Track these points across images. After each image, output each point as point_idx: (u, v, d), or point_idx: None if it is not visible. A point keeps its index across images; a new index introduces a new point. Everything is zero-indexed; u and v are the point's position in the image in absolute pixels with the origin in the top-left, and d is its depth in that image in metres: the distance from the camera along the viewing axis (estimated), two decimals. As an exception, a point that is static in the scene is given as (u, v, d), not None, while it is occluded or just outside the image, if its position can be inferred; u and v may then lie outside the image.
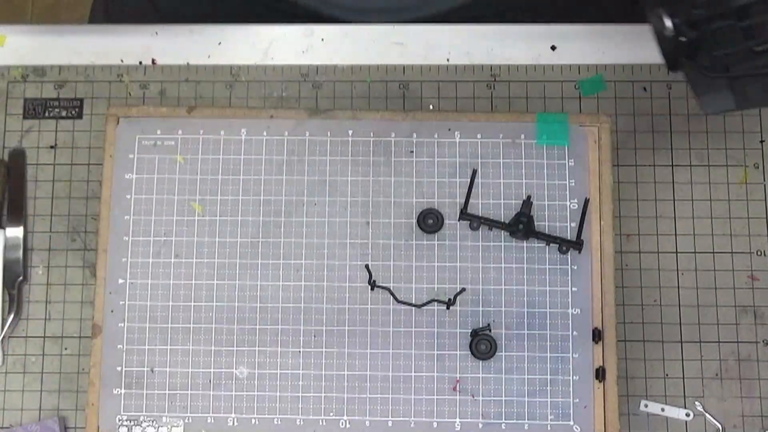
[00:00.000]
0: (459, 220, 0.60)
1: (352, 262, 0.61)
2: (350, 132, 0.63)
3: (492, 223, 0.61)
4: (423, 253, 0.61)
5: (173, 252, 0.62)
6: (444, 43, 0.68)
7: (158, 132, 0.63)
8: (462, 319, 0.60)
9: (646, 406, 0.62)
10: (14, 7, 1.60)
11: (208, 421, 0.60)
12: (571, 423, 0.59)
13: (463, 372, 0.60)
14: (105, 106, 0.67)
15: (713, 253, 0.64)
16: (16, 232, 0.65)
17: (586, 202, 0.60)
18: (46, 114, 0.67)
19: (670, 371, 0.62)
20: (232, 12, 0.81)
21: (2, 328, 0.63)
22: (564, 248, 0.60)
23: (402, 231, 0.61)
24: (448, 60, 0.68)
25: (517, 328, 0.60)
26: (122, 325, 0.61)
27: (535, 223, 0.61)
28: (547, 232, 0.61)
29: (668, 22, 0.47)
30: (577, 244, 0.60)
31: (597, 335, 0.60)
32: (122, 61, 0.68)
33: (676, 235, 0.64)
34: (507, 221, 0.61)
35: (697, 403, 0.62)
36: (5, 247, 0.64)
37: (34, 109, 0.67)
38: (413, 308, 0.60)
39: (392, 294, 0.61)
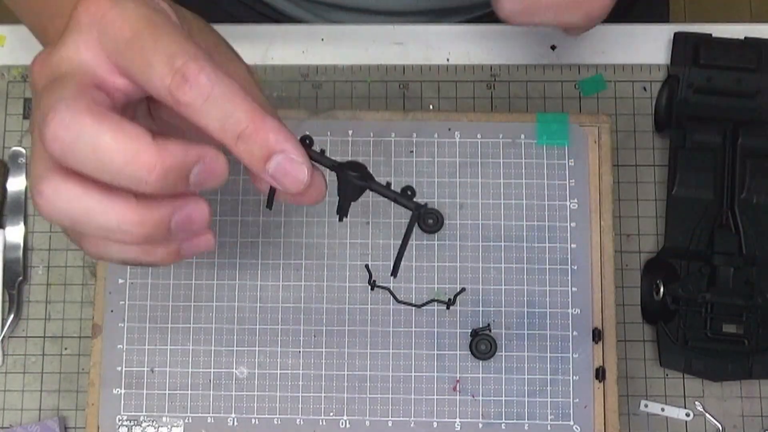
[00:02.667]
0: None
1: (352, 262, 0.61)
2: (350, 132, 0.63)
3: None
4: (423, 253, 0.61)
5: (173, 252, 0.62)
6: (444, 43, 0.68)
7: (158, 132, 0.63)
8: (462, 319, 0.60)
9: (646, 406, 0.62)
10: (14, 7, 1.60)
11: (208, 421, 0.60)
12: (571, 423, 0.59)
13: (463, 372, 0.60)
14: (105, 106, 0.67)
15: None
16: (16, 232, 0.65)
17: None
18: (46, 114, 0.67)
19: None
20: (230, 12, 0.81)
21: (2, 328, 0.63)
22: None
23: (402, 231, 0.61)
24: (448, 60, 0.68)
25: (517, 328, 0.60)
26: (122, 325, 0.61)
27: (536, 223, 0.61)
28: (546, 232, 0.61)
29: (661, 292, 0.61)
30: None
31: (597, 335, 0.60)
32: (122, 61, 0.68)
33: (676, 235, 0.64)
34: (506, 221, 0.61)
35: (697, 403, 0.62)
36: (5, 247, 0.64)
37: (34, 109, 0.67)
38: (413, 308, 0.60)
39: (392, 294, 0.61)
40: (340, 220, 0.45)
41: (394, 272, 0.47)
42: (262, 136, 0.39)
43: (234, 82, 0.39)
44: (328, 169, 0.44)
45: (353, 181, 0.44)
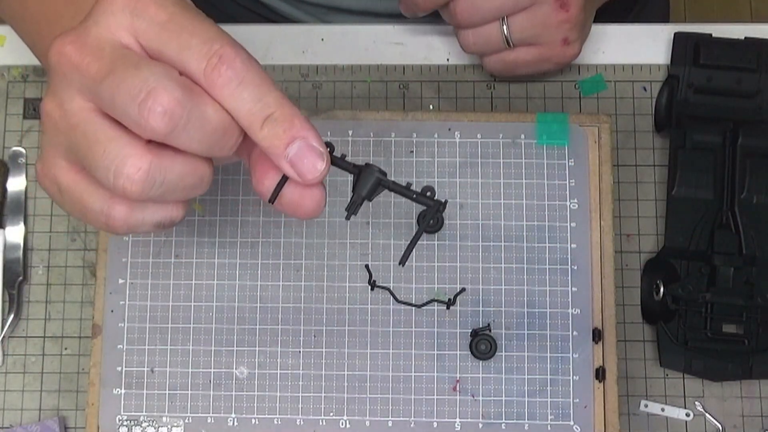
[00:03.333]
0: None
1: (352, 262, 0.61)
2: (350, 132, 0.63)
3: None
4: (423, 253, 0.61)
5: (173, 252, 0.62)
6: (444, 43, 0.68)
7: (158, 132, 0.63)
8: (462, 319, 0.60)
9: (646, 406, 0.62)
10: (14, 7, 1.60)
11: (208, 421, 0.60)
12: (571, 423, 0.59)
13: (463, 372, 0.60)
14: (105, 106, 0.67)
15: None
16: (16, 232, 0.65)
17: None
18: (46, 114, 0.67)
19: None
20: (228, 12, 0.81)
21: (2, 328, 0.63)
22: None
23: (402, 231, 0.61)
24: (448, 60, 0.68)
25: (517, 328, 0.60)
26: (122, 325, 0.61)
27: (536, 223, 0.61)
28: (546, 232, 0.61)
29: (661, 292, 0.61)
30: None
31: (597, 335, 0.60)
32: (122, 61, 0.68)
33: (676, 235, 0.64)
34: (506, 221, 0.61)
35: (697, 403, 0.62)
36: (5, 247, 0.64)
37: (34, 109, 0.67)
38: (413, 308, 0.60)
39: (392, 294, 0.61)
40: (348, 218, 0.45)
41: (403, 261, 0.48)
42: (288, 120, 0.41)
43: (263, 71, 0.41)
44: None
45: (377, 175, 0.44)
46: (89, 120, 0.41)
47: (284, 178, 0.43)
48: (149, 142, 0.40)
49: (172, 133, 0.39)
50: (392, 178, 0.61)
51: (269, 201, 0.43)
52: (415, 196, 0.45)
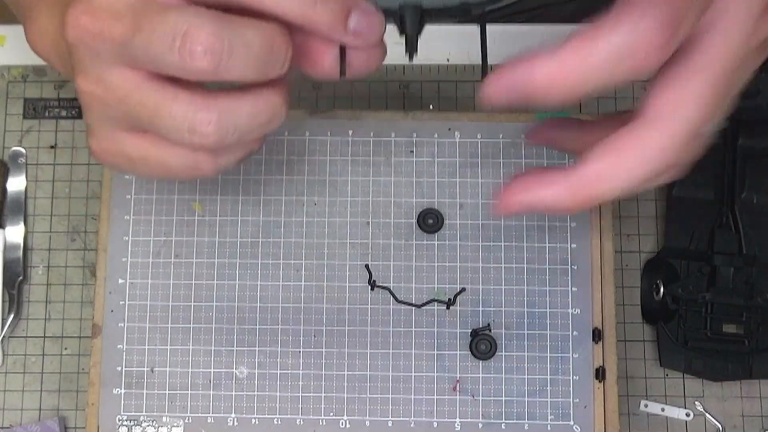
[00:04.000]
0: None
1: (352, 262, 0.61)
2: (350, 132, 0.63)
3: None
4: (423, 253, 0.61)
5: (173, 252, 0.62)
6: (444, 43, 0.68)
7: (158, 132, 0.63)
8: (462, 319, 0.60)
9: (646, 406, 0.62)
10: (14, 7, 1.60)
11: (208, 421, 0.60)
12: (571, 423, 0.59)
13: (463, 372, 0.60)
14: (105, 106, 0.67)
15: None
16: (16, 232, 0.65)
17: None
18: (46, 114, 0.67)
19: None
20: None
21: (2, 328, 0.63)
22: None
23: (402, 231, 0.61)
24: (448, 60, 0.68)
25: (517, 328, 0.60)
26: (122, 325, 0.61)
27: (536, 223, 0.61)
28: (546, 232, 0.61)
29: (661, 292, 0.62)
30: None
31: (597, 335, 0.60)
32: (122, 61, 0.68)
33: (676, 235, 0.64)
34: (506, 221, 0.61)
35: (697, 403, 0.62)
36: (5, 247, 0.64)
37: (34, 109, 0.67)
38: (413, 308, 0.60)
39: (392, 294, 0.61)
40: (411, 59, 0.46)
41: (483, 74, 0.48)
42: None
43: None
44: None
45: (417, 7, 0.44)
46: (138, 87, 0.39)
47: (344, 48, 0.42)
48: (210, 92, 0.39)
49: (219, 67, 0.38)
50: (392, 178, 0.62)
51: (340, 75, 0.42)
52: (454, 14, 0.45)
